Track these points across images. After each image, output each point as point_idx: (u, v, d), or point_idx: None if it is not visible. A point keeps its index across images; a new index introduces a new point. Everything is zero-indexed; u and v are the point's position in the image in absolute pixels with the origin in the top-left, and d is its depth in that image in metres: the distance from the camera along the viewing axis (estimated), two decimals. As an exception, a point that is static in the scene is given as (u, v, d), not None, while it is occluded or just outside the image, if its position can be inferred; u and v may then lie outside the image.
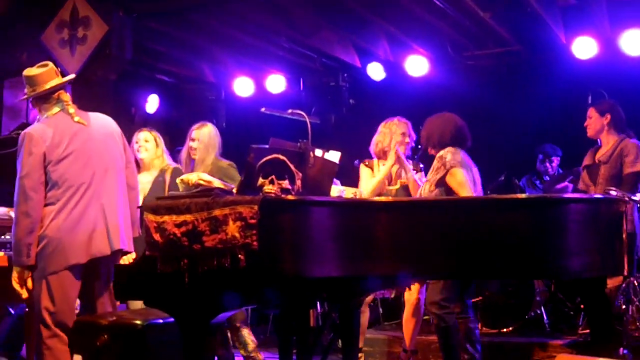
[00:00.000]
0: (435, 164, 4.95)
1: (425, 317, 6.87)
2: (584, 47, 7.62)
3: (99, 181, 4.25)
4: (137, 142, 5.64)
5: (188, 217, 3.18)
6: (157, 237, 3.27)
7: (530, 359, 5.73)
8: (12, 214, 4.76)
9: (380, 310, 7.06)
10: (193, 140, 5.67)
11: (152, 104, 9.43)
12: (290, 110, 4.38)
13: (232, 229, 3.05)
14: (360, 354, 5.34)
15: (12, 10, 7.41)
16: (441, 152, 4.94)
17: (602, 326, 5.34)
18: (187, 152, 5.73)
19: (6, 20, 7.42)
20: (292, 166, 3.36)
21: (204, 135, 5.66)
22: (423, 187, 5.02)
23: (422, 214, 3.33)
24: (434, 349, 6.20)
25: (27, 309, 5.22)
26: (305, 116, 4.08)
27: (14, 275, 4.08)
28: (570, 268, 3.42)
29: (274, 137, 3.67)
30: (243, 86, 9.32)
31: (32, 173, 4.07)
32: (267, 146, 3.48)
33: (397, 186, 5.55)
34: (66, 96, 4.37)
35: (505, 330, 6.34)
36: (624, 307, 5.93)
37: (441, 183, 4.85)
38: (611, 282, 5.68)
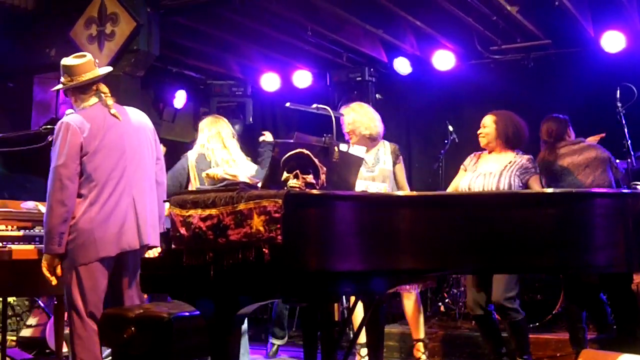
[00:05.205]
0: (525, 163, 5.13)
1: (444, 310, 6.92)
2: (613, 41, 7.57)
3: (130, 175, 4.29)
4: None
5: (213, 211, 3.19)
6: (183, 230, 3.29)
7: (556, 354, 5.71)
8: (41, 208, 4.82)
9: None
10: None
11: (179, 99, 9.50)
12: (315, 105, 4.39)
13: (257, 223, 3.06)
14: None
15: (41, 6, 7.50)
16: (526, 157, 5.20)
17: (628, 322, 5.31)
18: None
19: (35, 17, 7.51)
20: (316, 161, 3.36)
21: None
22: (497, 179, 5.05)
23: (446, 209, 3.31)
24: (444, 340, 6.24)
25: (56, 302, 5.30)
26: (330, 111, 4.09)
27: (44, 262, 4.13)
28: (596, 263, 3.39)
29: (299, 132, 3.68)
30: (270, 81, 9.36)
31: (69, 163, 4.09)
32: (291, 141, 3.49)
33: (376, 173, 5.52)
34: (105, 88, 4.39)
35: (531, 325, 6.31)
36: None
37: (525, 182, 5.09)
38: (638, 278, 5.64)
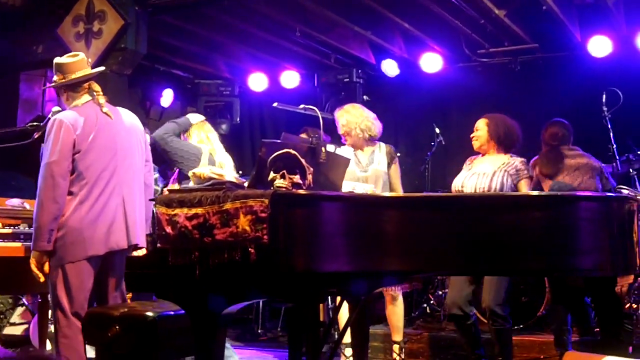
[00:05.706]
0: (518, 164, 5.08)
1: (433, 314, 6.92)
2: (600, 46, 7.61)
3: (121, 175, 4.28)
4: None
5: (199, 210, 3.19)
6: (168, 229, 3.28)
7: (540, 356, 5.74)
8: (27, 205, 4.80)
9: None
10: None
11: (166, 98, 9.48)
12: (302, 106, 4.40)
13: (243, 222, 3.05)
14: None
15: (29, 3, 7.46)
16: (520, 159, 5.14)
17: (612, 325, 5.34)
18: None
19: (22, 14, 7.47)
20: (303, 161, 3.36)
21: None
22: (492, 178, 5.05)
23: (433, 211, 3.32)
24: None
25: (40, 299, 5.27)
26: (318, 111, 4.09)
27: (33, 260, 4.09)
28: (581, 266, 3.41)
29: (286, 132, 3.68)
30: (257, 81, 9.36)
31: (62, 160, 4.07)
32: (279, 141, 3.48)
33: (369, 173, 5.52)
34: (97, 86, 4.38)
35: (516, 327, 6.33)
36: (634, 306, 5.93)
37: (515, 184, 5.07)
38: (622, 281, 5.67)
